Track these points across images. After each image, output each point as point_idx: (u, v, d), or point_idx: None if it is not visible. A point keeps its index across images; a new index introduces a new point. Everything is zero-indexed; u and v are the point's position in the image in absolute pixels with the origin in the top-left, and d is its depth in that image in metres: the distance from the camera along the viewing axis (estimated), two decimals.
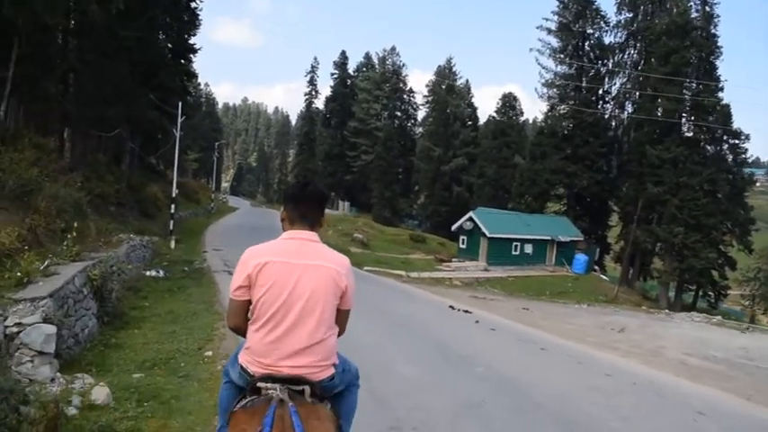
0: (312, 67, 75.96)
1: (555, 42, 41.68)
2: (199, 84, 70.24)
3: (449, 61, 62.24)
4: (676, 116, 33.38)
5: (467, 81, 63.21)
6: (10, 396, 3.91)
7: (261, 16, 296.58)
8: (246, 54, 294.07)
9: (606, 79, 41.57)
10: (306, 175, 67.01)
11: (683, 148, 32.05)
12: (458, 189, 53.92)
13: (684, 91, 33.38)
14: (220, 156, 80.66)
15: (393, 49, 67.04)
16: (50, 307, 5.89)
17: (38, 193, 10.52)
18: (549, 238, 32.37)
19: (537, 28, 41.99)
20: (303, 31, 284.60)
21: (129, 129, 23.95)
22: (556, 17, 41.27)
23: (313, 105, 76.71)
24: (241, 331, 2.42)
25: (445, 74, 61.06)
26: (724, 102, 33.50)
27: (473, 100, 61.91)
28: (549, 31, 41.55)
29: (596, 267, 35.85)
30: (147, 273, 13.63)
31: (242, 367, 2.30)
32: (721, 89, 33.83)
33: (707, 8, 35.05)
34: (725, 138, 34.59)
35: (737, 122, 34.56)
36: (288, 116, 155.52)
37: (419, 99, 65.00)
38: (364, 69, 69.51)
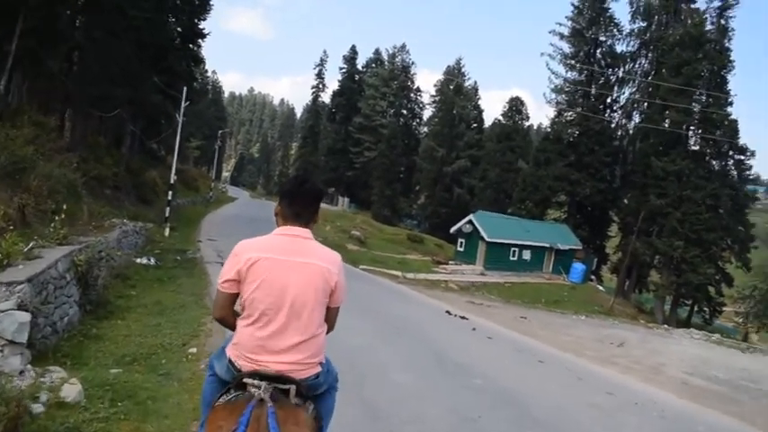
0: (321, 60, 75.94)
1: (567, 48, 41.35)
2: (206, 70, 70.10)
3: (458, 62, 61.98)
4: (684, 128, 33.02)
5: (475, 83, 62.99)
6: None
7: (273, 7, 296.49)
8: (256, 45, 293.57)
9: (616, 88, 41.20)
10: (307, 169, 66.82)
11: (688, 162, 31.69)
12: (459, 191, 53.61)
13: (693, 103, 33.03)
14: (223, 144, 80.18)
15: (403, 46, 66.56)
16: (27, 293, 5.55)
17: (31, 171, 10.20)
18: (547, 245, 32.09)
19: (549, 32, 41.71)
20: (314, 23, 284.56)
21: (132, 111, 23.54)
22: (569, 23, 40.94)
23: (319, 99, 76.49)
24: (226, 323, 2.42)
25: (454, 74, 60.64)
26: (732, 117, 33.27)
27: (480, 102, 61.70)
28: (562, 36, 41.24)
29: (593, 277, 35.60)
30: (138, 260, 13.27)
31: (230, 360, 2.28)
32: (731, 103, 33.52)
33: (722, 21, 34.69)
34: (730, 153, 34.26)
35: (742, 139, 34.20)
36: (293, 109, 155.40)
37: (426, 98, 64.69)
38: (373, 65, 68.94)
